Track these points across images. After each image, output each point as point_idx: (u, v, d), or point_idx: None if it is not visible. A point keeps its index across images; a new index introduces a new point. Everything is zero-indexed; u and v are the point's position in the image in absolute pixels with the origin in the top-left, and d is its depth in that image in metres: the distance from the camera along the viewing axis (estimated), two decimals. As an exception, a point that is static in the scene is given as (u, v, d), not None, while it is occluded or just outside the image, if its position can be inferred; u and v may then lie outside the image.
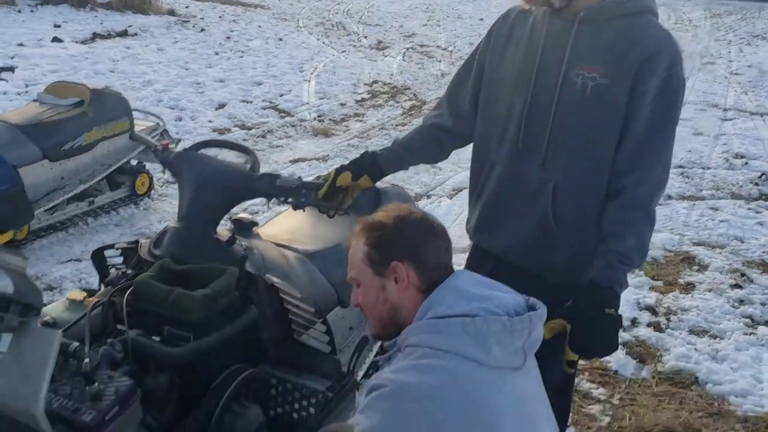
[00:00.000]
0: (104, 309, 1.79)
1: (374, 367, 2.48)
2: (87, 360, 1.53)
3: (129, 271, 1.96)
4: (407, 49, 13.51)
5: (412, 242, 1.42)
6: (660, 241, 4.66)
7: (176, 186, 2.08)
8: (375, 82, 9.97)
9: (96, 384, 1.51)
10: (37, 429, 1.13)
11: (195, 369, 1.75)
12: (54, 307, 1.82)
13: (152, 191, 4.74)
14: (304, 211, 2.16)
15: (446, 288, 1.38)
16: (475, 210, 1.99)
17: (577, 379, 3.09)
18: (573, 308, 1.63)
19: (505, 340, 1.29)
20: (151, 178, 4.68)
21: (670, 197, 5.70)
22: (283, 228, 2.51)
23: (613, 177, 1.72)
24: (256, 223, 2.26)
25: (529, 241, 1.84)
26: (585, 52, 1.70)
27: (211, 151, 2.19)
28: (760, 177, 6.33)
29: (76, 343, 1.58)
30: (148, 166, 4.68)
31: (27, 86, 7.38)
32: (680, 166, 6.66)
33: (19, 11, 13.11)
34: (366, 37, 15.29)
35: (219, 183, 1.99)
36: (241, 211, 2.32)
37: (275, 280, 1.99)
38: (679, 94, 1.70)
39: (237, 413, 1.78)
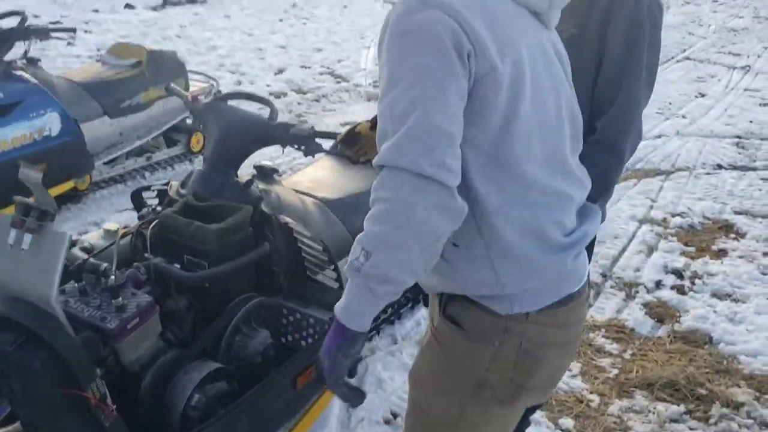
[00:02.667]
0: (133, 238, 2.04)
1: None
2: (113, 277, 1.79)
3: (159, 208, 2.20)
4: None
5: None
6: (700, 208, 4.65)
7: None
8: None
9: (120, 299, 1.76)
10: (51, 311, 1.37)
11: (210, 293, 1.98)
12: (91, 236, 2.10)
13: (206, 149, 5.01)
14: (322, 158, 2.34)
15: None
16: None
17: (591, 334, 3.22)
18: None
19: None
20: (205, 137, 4.95)
21: (720, 166, 5.64)
22: (308, 177, 2.72)
23: (590, 119, 1.80)
24: (276, 170, 2.46)
25: None
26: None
27: (235, 103, 2.40)
28: (820, 149, 6.14)
29: (105, 264, 1.84)
30: (203, 125, 4.96)
31: (99, 50, 7.77)
32: (737, 137, 6.52)
33: (96, -22, 13.68)
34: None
35: (239, 130, 2.20)
36: (266, 159, 2.52)
37: (288, 219, 2.20)
38: (643, 28, 1.75)
39: (246, 335, 2.00)
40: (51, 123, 3.52)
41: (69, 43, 7.36)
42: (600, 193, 1.74)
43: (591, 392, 2.80)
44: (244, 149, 2.23)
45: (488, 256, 1.24)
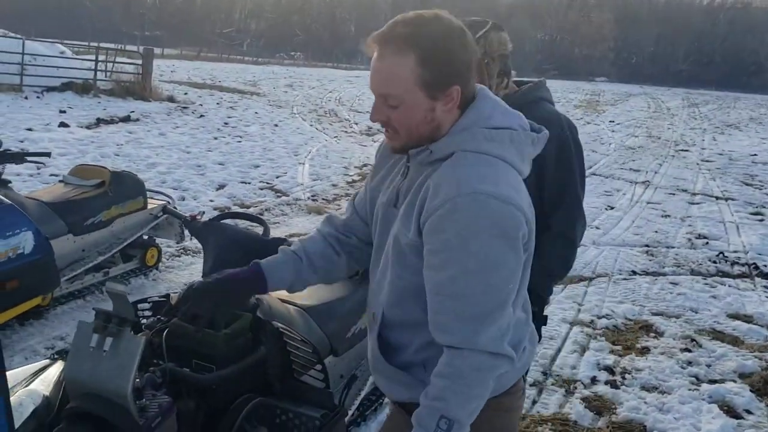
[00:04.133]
0: (146, 345, 2.24)
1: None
2: (137, 380, 1.99)
3: (162, 318, 2.41)
4: (395, 135, 14.24)
5: (464, 59, 1.41)
6: (622, 311, 5.15)
7: (180, 259, 2.57)
8: (365, 165, 10.61)
9: (144, 399, 1.95)
10: (126, 406, 1.57)
11: (217, 394, 2.18)
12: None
13: (160, 263, 5.19)
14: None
15: (485, 101, 1.47)
16: None
17: (539, 428, 3.52)
18: None
19: (528, 151, 1.50)
20: (159, 251, 5.14)
21: (634, 272, 6.23)
22: (285, 288, 2.99)
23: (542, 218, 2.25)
24: (264, 282, 2.72)
25: None
26: None
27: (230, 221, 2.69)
28: (717, 255, 6.90)
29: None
30: (158, 240, 5.16)
31: (39, 168, 7.89)
32: (646, 245, 7.23)
33: (26, 98, 13.85)
34: (357, 123, 16.11)
35: (237, 246, 2.48)
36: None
37: (280, 325, 2.45)
38: (569, 144, 2.24)
39: (249, 432, 2.20)
40: (25, 241, 3.66)
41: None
42: (561, 274, 2.27)
43: (546, 480, 3.07)
44: (242, 263, 2.49)
45: None
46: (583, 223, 2.32)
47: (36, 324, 4.09)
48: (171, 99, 16.53)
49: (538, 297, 2.20)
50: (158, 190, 5.44)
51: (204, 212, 4.41)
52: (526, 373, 1.83)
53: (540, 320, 2.31)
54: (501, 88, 2.30)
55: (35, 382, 2.14)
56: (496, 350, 1.40)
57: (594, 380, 4.04)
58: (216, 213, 7.04)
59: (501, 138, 1.43)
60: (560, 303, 5.28)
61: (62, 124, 11.20)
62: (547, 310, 4.90)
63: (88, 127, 11.61)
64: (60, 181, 4.72)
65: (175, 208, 5.13)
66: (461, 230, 1.35)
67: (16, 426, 1.95)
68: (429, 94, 1.40)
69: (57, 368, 2.24)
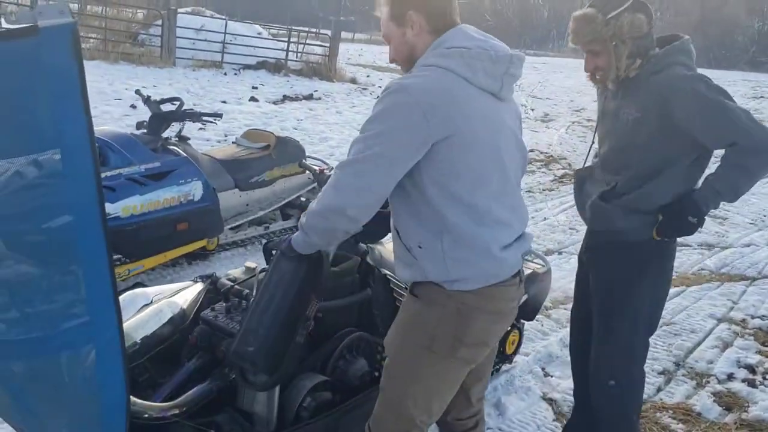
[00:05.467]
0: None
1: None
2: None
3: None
4: (572, 122, 13.92)
5: None
6: (781, 313, 4.77)
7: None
8: (532, 150, 10.51)
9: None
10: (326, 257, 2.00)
11: (322, 322, 2.44)
12: (235, 271, 2.64)
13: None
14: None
15: (455, 30, 1.84)
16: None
17: (659, 414, 3.43)
18: (667, 210, 2.28)
19: (489, 68, 1.78)
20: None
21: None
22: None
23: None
24: (381, 234, 2.95)
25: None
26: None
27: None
28: None
29: (246, 290, 2.37)
30: (314, 203, 5.59)
31: (226, 135, 8.76)
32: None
33: (225, 74, 15.21)
34: (533, 109, 15.89)
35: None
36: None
37: (388, 272, 2.66)
38: (701, 93, 2.20)
39: (348, 360, 2.45)
40: (195, 190, 4.20)
41: (200, 128, 8.35)
42: (726, 193, 2.24)
43: (652, 462, 3.01)
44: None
45: (443, 257, 1.80)
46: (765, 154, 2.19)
47: (201, 264, 4.65)
48: (353, 80, 17.32)
49: (698, 208, 2.24)
50: (318, 158, 5.88)
51: (332, 167, 4.72)
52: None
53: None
54: (633, 68, 2.31)
55: (176, 296, 2.54)
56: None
57: (730, 377, 3.83)
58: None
59: (452, 54, 1.77)
60: (712, 299, 5.00)
61: (252, 99, 12.22)
62: (694, 306, 4.72)
63: (274, 103, 12.56)
64: (233, 143, 5.29)
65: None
66: (373, 109, 1.75)
67: (156, 328, 2.35)
68: (396, 23, 1.87)
69: (197, 287, 2.63)
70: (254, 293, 2.36)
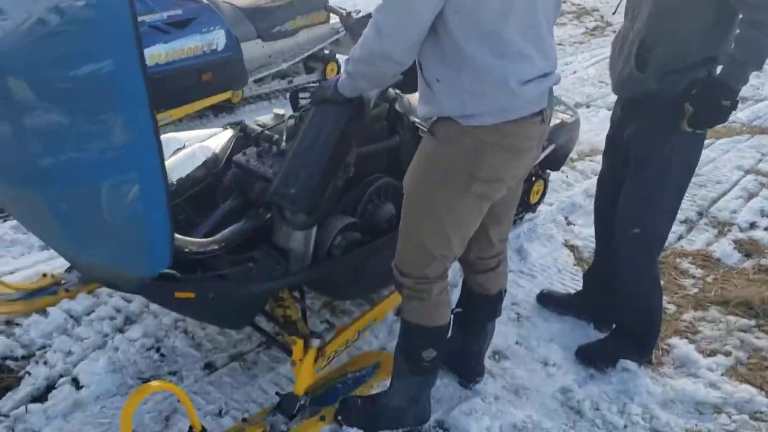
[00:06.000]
0: (296, 120, 2.57)
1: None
2: (283, 145, 2.34)
3: (313, 102, 2.72)
4: (604, -28, 13.16)
5: None
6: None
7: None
8: (564, 1, 10.05)
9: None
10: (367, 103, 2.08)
11: (354, 166, 2.48)
12: (265, 117, 2.66)
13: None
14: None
15: None
16: None
17: (678, 259, 3.52)
18: (697, 97, 2.22)
19: None
20: (339, 66, 5.48)
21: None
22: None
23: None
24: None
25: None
26: None
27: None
28: None
29: (276, 136, 2.39)
30: (338, 56, 5.49)
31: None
32: None
33: None
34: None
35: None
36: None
37: (416, 120, 2.66)
38: None
39: (376, 204, 2.51)
40: (218, 39, 4.13)
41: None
42: (752, 60, 2.16)
43: (669, 303, 3.12)
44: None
45: (460, 91, 1.79)
46: None
47: (227, 116, 4.67)
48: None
49: (729, 88, 2.19)
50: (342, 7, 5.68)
51: (360, 11, 4.59)
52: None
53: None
54: None
55: (210, 140, 2.58)
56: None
57: (753, 225, 3.88)
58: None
59: None
60: (741, 151, 4.95)
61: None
62: (722, 158, 4.68)
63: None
64: (253, -11, 5.11)
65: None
66: None
67: (190, 171, 2.42)
68: None
69: (227, 133, 2.66)
70: (284, 138, 2.39)
